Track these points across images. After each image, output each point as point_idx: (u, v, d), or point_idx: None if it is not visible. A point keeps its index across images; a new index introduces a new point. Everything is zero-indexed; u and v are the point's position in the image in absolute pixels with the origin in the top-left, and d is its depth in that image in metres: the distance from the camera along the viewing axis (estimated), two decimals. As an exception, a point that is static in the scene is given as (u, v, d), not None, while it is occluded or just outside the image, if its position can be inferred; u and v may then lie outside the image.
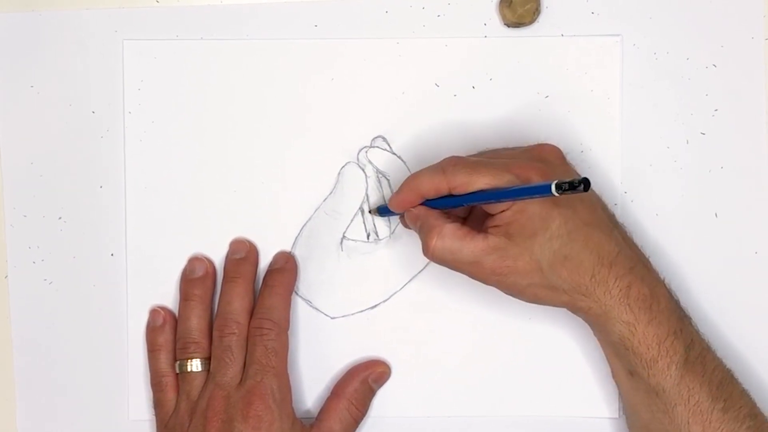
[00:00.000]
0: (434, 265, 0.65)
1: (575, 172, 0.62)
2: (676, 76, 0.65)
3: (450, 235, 0.57)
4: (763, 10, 0.65)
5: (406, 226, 0.63)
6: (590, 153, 0.65)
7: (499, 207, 0.57)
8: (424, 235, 0.58)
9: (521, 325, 0.66)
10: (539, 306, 0.65)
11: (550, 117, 0.64)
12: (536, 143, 0.62)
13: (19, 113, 0.66)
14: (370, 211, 0.65)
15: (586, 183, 0.49)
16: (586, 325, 0.62)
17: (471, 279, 0.65)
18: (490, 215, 0.58)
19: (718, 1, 0.65)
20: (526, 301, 0.59)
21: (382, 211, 0.64)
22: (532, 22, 0.65)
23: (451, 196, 0.58)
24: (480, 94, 0.65)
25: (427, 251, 0.58)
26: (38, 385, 0.66)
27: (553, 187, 0.50)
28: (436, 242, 0.57)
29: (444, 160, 0.58)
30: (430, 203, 0.59)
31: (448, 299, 0.66)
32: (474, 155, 0.62)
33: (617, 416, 0.66)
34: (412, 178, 0.59)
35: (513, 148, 0.63)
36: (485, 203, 0.57)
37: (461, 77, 0.65)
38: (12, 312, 0.66)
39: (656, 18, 0.65)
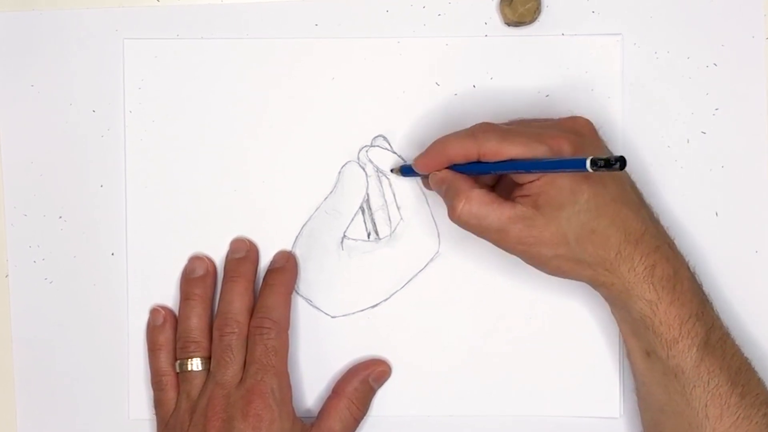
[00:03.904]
0: (435, 265, 0.65)
1: (606, 147, 0.61)
2: (677, 75, 0.65)
3: (477, 200, 0.57)
4: (764, 10, 0.65)
5: (427, 187, 0.62)
6: (591, 152, 0.65)
7: (529, 177, 0.56)
8: (451, 198, 0.58)
9: (522, 324, 0.66)
10: (540, 306, 0.65)
11: (551, 116, 0.64)
12: (568, 116, 0.62)
13: (19, 113, 0.66)
14: (392, 170, 0.65)
15: (622, 161, 0.49)
16: (587, 324, 0.62)
17: (471, 277, 0.65)
18: (518, 185, 0.57)
19: (718, 0, 0.65)
20: (549, 273, 0.58)
21: (405, 171, 0.64)
22: (532, 21, 0.65)
23: (479, 162, 0.57)
24: (481, 93, 0.65)
25: (453, 214, 0.58)
26: (38, 384, 0.66)
27: (588, 163, 0.50)
28: (463, 206, 0.57)
29: (475, 125, 0.58)
30: (456, 168, 0.59)
31: (448, 299, 0.65)
32: (504, 124, 0.62)
33: (617, 416, 0.66)
34: (441, 141, 0.59)
35: (544, 120, 0.62)
36: (515, 173, 0.57)
37: (462, 76, 0.65)
38: (12, 311, 0.66)
39: (657, 17, 0.65)
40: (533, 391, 0.66)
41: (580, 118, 0.61)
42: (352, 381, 0.64)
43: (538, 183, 0.56)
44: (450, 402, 0.66)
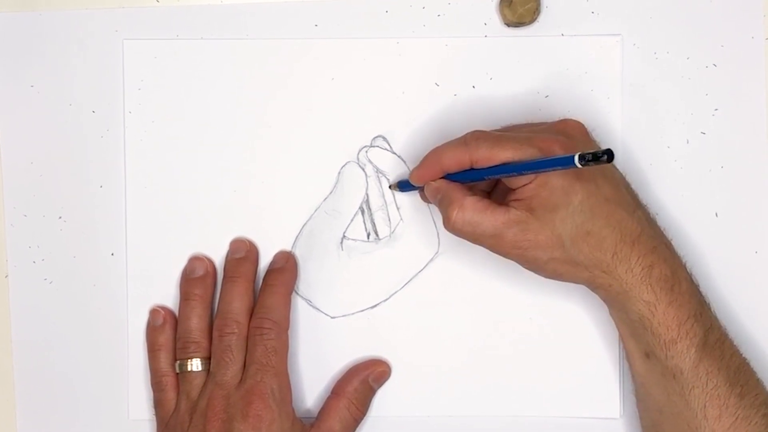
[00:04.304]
0: (434, 265, 0.65)
1: (599, 146, 0.62)
2: (677, 76, 0.65)
3: (471, 208, 0.57)
4: (763, 10, 0.65)
5: (425, 200, 0.63)
6: (590, 152, 0.65)
7: (521, 181, 0.56)
8: (445, 207, 0.58)
9: (522, 325, 0.66)
10: (540, 306, 0.65)
11: (551, 117, 0.64)
12: (560, 119, 0.62)
13: (19, 113, 0.66)
14: (390, 187, 0.65)
15: (609, 154, 0.49)
16: (587, 324, 0.62)
17: (471, 277, 0.65)
18: (512, 190, 0.58)
19: (718, 0, 0.65)
20: (546, 276, 0.59)
21: (403, 186, 0.64)
22: (532, 21, 0.65)
23: (473, 169, 0.58)
24: (480, 93, 0.65)
25: (447, 223, 0.58)
26: (38, 385, 0.66)
27: (576, 158, 0.50)
28: (456, 214, 0.57)
29: (466, 134, 0.58)
30: (451, 177, 0.59)
31: (448, 299, 0.65)
32: (496, 130, 0.62)
33: (617, 417, 0.66)
34: (434, 152, 0.59)
35: (536, 124, 0.63)
36: (507, 176, 0.57)
37: (461, 77, 0.65)
38: (12, 312, 0.66)
39: (656, 17, 0.65)
40: (533, 392, 0.66)
41: (571, 120, 0.61)
42: (351, 381, 0.64)
43: (530, 186, 0.56)
44: (450, 402, 0.66)
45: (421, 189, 0.62)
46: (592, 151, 0.50)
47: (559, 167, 0.53)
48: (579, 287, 0.60)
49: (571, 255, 0.57)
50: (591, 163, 0.50)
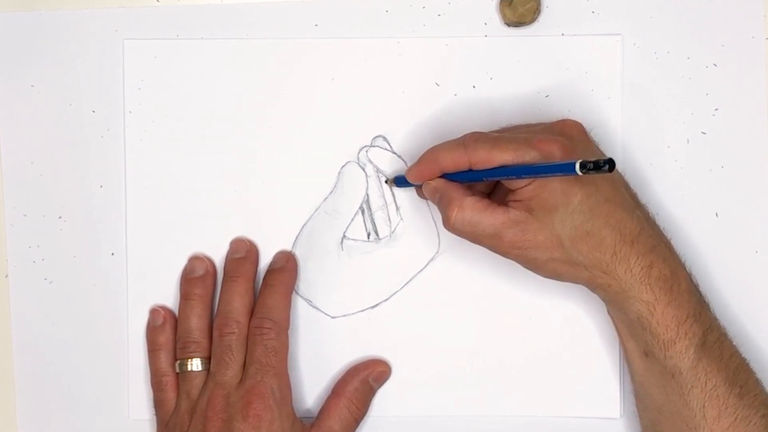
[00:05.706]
0: (435, 265, 0.65)
1: (598, 147, 0.62)
2: (677, 76, 0.65)
3: (470, 208, 0.57)
4: (764, 10, 0.65)
5: (422, 197, 0.63)
6: (591, 152, 0.65)
7: (521, 182, 0.56)
8: (444, 206, 0.58)
9: (522, 325, 0.66)
10: (540, 306, 0.65)
11: (551, 116, 0.64)
12: (558, 119, 0.62)
13: (19, 113, 0.66)
14: (386, 182, 0.65)
15: (611, 164, 0.49)
16: (587, 324, 0.62)
17: (471, 277, 0.65)
18: (511, 190, 0.58)
19: (718, 0, 0.65)
20: (546, 276, 0.59)
21: (399, 182, 0.64)
22: (532, 21, 0.65)
23: (471, 171, 0.58)
24: (480, 93, 0.65)
25: (447, 223, 0.58)
26: (38, 385, 0.66)
27: (577, 166, 0.50)
28: (456, 214, 0.57)
29: (466, 135, 0.58)
30: (449, 177, 0.59)
31: (448, 299, 0.65)
32: (495, 131, 0.62)
33: (617, 417, 0.66)
34: (432, 151, 0.59)
35: (535, 124, 0.63)
36: (506, 179, 0.57)
37: (462, 77, 0.65)
38: (12, 311, 0.66)
39: (657, 17, 0.65)
40: (533, 392, 0.66)
41: (570, 120, 0.61)
42: (352, 381, 0.64)
43: (530, 187, 0.56)
44: (450, 402, 0.66)
45: (418, 186, 0.62)
46: (594, 159, 0.50)
47: (560, 173, 0.53)
48: (579, 287, 0.60)
49: (570, 255, 0.57)
50: (592, 171, 0.50)
